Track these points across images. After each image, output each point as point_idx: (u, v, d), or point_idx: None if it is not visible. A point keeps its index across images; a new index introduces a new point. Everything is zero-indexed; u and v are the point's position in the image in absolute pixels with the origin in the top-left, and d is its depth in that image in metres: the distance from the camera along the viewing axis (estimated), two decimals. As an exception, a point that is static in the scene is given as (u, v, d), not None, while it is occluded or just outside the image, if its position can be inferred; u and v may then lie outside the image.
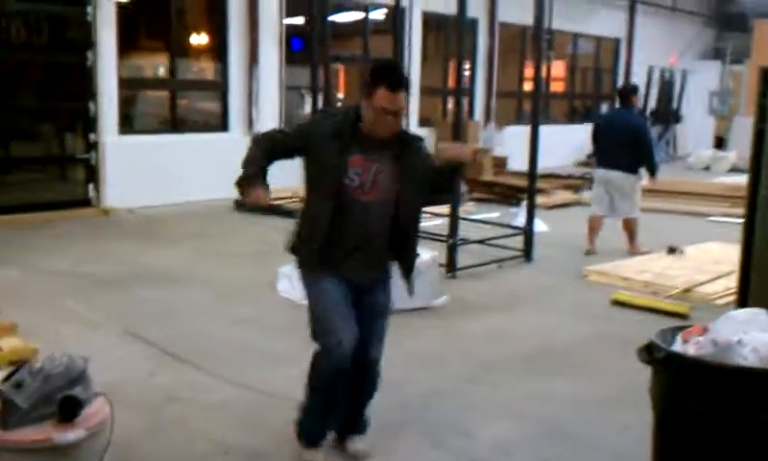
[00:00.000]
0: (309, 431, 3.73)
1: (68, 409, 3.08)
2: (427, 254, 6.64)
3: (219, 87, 12.51)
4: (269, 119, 12.53)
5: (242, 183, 3.43)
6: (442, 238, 7.88)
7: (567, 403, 4.60)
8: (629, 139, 8.50)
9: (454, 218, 7.73)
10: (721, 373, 2.91)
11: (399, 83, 3.36)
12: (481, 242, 8.35)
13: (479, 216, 10.53)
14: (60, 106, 11.20)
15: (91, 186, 10.81)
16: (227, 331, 5.82)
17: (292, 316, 6.06)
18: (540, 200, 11.30)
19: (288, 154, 3.57)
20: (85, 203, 10.73)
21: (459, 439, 4.14)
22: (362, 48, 14.13)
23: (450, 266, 7.63)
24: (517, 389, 4.84)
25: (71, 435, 3.06)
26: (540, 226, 9.52)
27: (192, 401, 4.52)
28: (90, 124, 10.75)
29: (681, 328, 3.29)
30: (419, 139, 3.67)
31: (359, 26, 14.35)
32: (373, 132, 3.44)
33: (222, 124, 12.55)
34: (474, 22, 16.25)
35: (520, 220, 8.66)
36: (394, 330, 5.77)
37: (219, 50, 12.44)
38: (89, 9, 10.56)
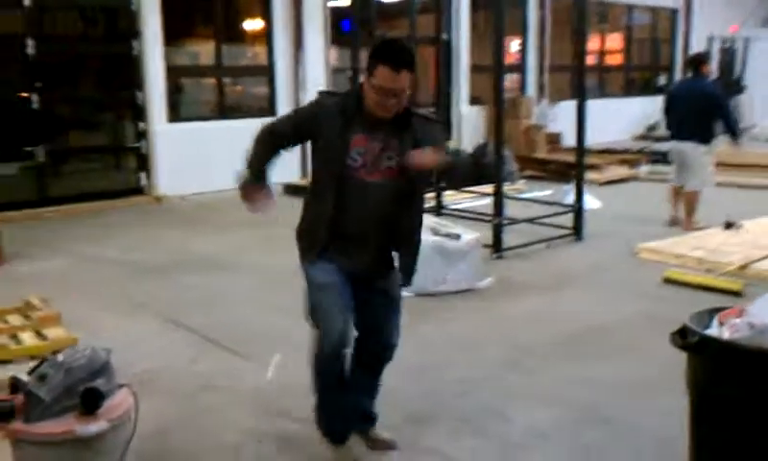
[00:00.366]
0: (328, 428, 3.64)
1: (90, 401, 3.08)
2: (470, 235, 6.54)
3: (265, 73, 12.53)
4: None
5: (241, 189, 3.39)
6: (488, 218, 7.75)
7: (608, 387, 4.45)
8: (702, 109, 8.34)
9: (499, 197, 7.58)
10: (757, 357, 2.74)
11: (402, 61, 3.15)
12: (529, 221, 8.17)
13: (529, 195, 10.33)
14: (111, 95, 11.39)
15: (143, 175, 10.98)
16: (267, 319, 5.81)
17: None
18: (592, 176, 11.04)
19: (295, 141, 3.48)
20: (138, 191, 10.90)
21: (497, 424, 4.03)
22: (409, 28, 13.95)
23: (496, 246, 7.49)
24: (557, 372, 4.70)
25: (93, 427, 3.06)
26: (591, 203, 9.30)
27: (229, 389, 4.52)
28: (139, 113, 10.89)
29: (718, 310, 3.12)
30: (435, 123, 3.53)
31: (405, 5, 14.15)
32: (375, 115, 3.29)
33: (269, 109, 12.57)
34: (525, -5, 15.94)
35: (572, 197, 8.45)
36: (435, 313, 5.78)
37: (265, 35, 12.45)
38: (134, -1, 10.68)
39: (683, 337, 3.02)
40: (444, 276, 6.28)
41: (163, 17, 10.97)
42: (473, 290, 6.36)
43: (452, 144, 12.55)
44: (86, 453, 3.08)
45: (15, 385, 3.17)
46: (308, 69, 12.61)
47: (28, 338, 5.14)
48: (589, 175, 9.22)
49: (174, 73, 11.39)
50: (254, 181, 3.41)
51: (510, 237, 7.63)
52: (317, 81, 12.84)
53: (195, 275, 6.95)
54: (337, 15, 13.14)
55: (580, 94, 8.29)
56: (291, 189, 11.21)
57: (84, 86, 11.41)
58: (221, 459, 3.74)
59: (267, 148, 3.43)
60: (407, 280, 3.53)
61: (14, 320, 5.45)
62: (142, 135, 10.94)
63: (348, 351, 3.43)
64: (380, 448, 3.71)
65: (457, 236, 6.40)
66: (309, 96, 12.43)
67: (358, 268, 3.40)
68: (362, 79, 3.31)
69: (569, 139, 13.97)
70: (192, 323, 5.65)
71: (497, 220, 7.56)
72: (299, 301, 6.02)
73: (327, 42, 12.99)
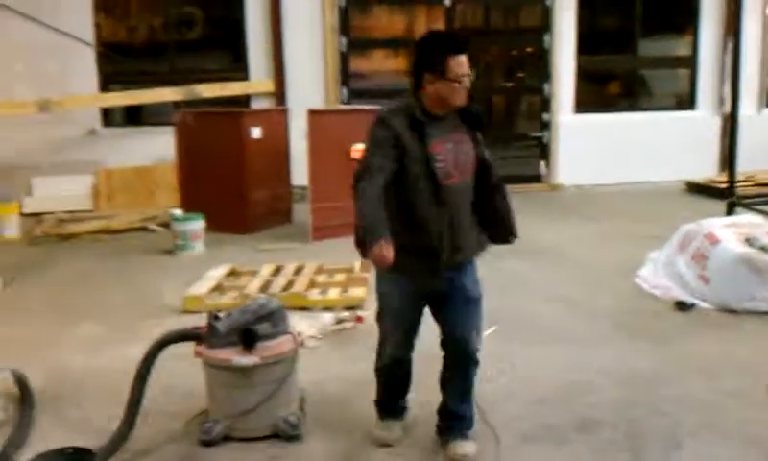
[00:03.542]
0: (381, 401, 3.85)
1: (246, 339, 3.81)
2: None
3: (687, 64, 11.91)
4: (745, 97, 11.46)
5: (364, 243, 3.24)
6: None
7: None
8: None
9: None
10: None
11: (465, 44, 3.31)
12: None
13: None
14: (519, 87, 12.09)
15: (543, 163, 11.46)
16: (542, 307, 5.93)
17: (620, 303, 5.92)
18: None
19: (393, 169, 3.28)
20: (536, 179, 11.43)
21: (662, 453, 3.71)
22: None
23: None
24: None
25: (245, 360, 3.79)
26: None
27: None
28: (544, 104, 11.38)
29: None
30: (478, 109, 3.49)
31: None
32: (440, 108, 3.34)
33: (689, 102, 11.95)
34: None
35: None
36: (717, 330, 5.22)
37: (689, 24, 11.82)
38: (549, -6, 11.15)
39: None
40: (750, 293, 5.61)
41: (578, 12, 11.25)
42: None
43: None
44: (242, 380, 3.82)
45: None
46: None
47: (333, 293, 6.13)
48: None
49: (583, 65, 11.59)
50: (375, 235, 3.19)
51: None
52: (749, 73, 11.77)
53: (517, 260, 7.19)
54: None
55: None
56: (695, 188, 10.66)
57: (495, 78, 12.26)
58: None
59: (376, 199, 3.22)
60: (511, 238, 3.60)
61: (338, 278, 6.49)
62: (545, 126, 11.41)
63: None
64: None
65: (774, 251, 5.64)
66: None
67: (436, 276, 3.43)
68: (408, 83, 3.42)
69: None
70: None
71: None
72: (588, 294, 6.03)
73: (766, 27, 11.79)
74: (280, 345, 3.91)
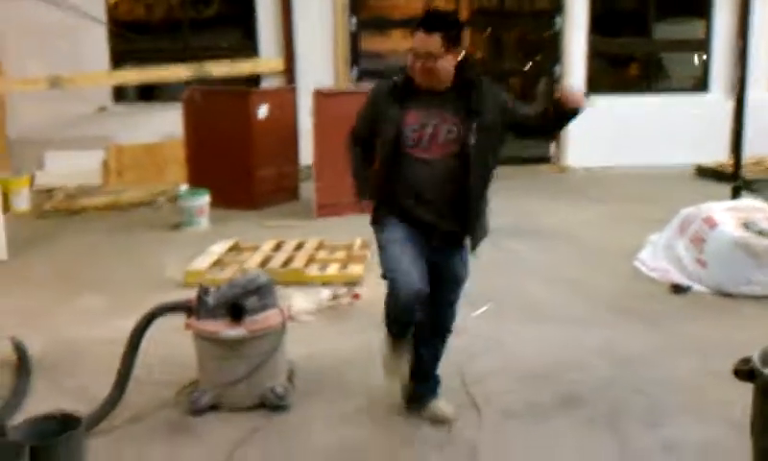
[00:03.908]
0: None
1: (234, 312, 3.89)
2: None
3: (701, 47, 11.81)
4: (757, 81, 11.36)
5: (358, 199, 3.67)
6: None
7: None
8: None
9: None
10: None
11: (433, 23, 3.30)
12: None
13: None
14: (531, 69, 12.06)
15: (553, 145, 11.44)
16: (538, 287, 5.97)
17: (617, 285, 5.94)
18: None
19: (375, 132, 3.55)
20: (545, 160, 11.42)
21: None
22: None
23: None
24: None
25: (232, 332, 3.87)
26: None
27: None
28: (554, 86, 11.33)
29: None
30: (484, 81, 3.46)
31: None
32: (420, 81, 3.38)
33: (701, 85, 11.86)
34: None
35: None
36: (715, 314, 5.24)
37: (701, 5, 11.71)
38: (559, -24, 11.09)
39: (750, 377, 2.61)
40: (747, 277, 5.61)
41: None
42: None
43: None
44: (230, 352, 3.91)
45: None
46: (753, 40, 11.44)
47: (332, 270, 6.20)
48: None
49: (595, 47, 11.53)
50: (363, 192, 3.66)
51: None
52: (762, 58, 11.65)
53: (518, 240, 7.26)
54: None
55: None
56: (704, 172, 10.61)
57: (507, 59, 12.25)
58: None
59: (358, 154, 3.67)
60: (474, 246, 3.60)
61: (338, 254, 6.56)
62: (555, 107, 11.37)
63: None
64: (438, 422, 3.78)
65: (770, 234, 5.63)
66: (753, 71, 11.37)
67: (425, 225, 3.49)
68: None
69: None
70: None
71: None
72: (585, 275, 6.13)
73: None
74: (268, 318, 3.99)
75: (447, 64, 3.37)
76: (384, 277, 3.44)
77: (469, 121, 3.39)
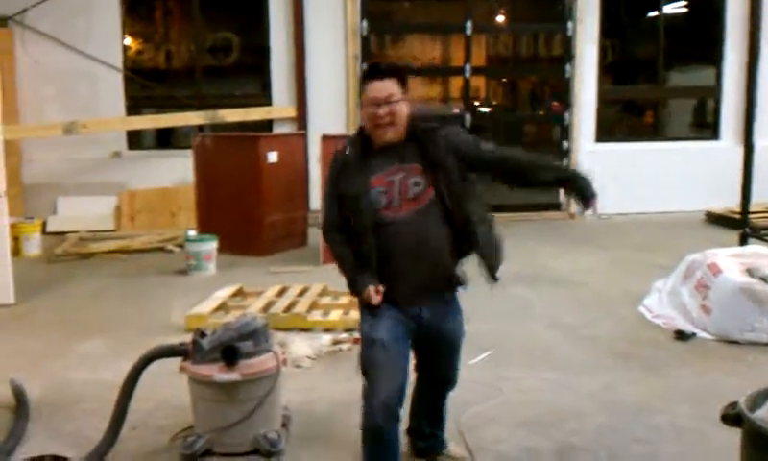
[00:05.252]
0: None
1: (228, 356, 3.88)
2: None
3: (711, 93, 11.85)
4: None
5: (353, 291, 3.37)
6: None
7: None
8: None
9: None
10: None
11: (383, 70, 3.25)
12: None
13: None
14: (539, 114, 12.16)
15: (561, 192, 11.40)
16: (541, 333, 5.94)
17: (620, 331, 5.90)
18: None
19: (346, 211, 3.32)
20: (555, 207, 11.42)
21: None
22: None
23: None
24: None
25: (225, 376, 3.87)
26: None
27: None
28: (565, 132, 11.39)
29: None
30: (436, 128, 3.32)
31: None
32: (379, 139, 3.26)
33: (713, 132, 11.88)
34: None
35: None
36: (717, 362, 5.18)
37: (713, 53, 11.77)
38: (570, 25, 11.19)
39: (736, 421, 2.58)
40: (751, 323, 5.55)
41: (600, 43, 11.29)
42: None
43: None
44: (223, 396, 3.89)
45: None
46: (763, 88, 11.50)
47: (334, 315, 6.19)
48: None
49: (608, 94, 11.61)
50: (355, 282, 3.33)
51: None
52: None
53: (524, 286, 7.24)
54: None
55: None
56: (714, 218, 10.56)
57: (518, 105, 12.36)
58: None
59: (341, 242, 3.36)
60: (492, 277, 3.36)
61: (341, 300, 6.56)
62: (565, 154, 11.41)
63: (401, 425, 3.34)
64: None
65: (775, 280, 5.58)
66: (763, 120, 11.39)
67: (412, 307, 3.31)
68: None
69: None
70: (472, 328, 6.02)
71: None
72: (589, 321, 6.12)
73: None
74: (262, 362, 3.97)
75: (405, 109, 3.26)
76: (362, 373, 3.27)
77: (432, 170, 3.25)
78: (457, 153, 3.30)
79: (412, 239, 3.23)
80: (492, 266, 3.36)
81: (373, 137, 3.30)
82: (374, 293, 3.24)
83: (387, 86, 3.21)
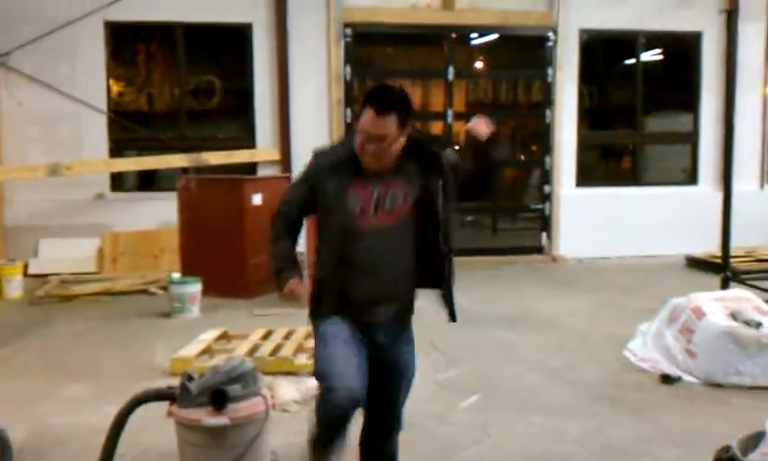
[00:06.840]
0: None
1: (216, 400, 3.86)
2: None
3: (689, 139, 12.06)
4: (746, 173, 11.58)
5: (276, 280, 3.33)
6: None
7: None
8: None
9: None
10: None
11: (386, 103, 3.05)
12: None
13: None
14: (520, 159, 12.32)
15: (544, 235, 11.55)
16: (527, 377, 5.94)
17: (606, 375, 5.92)
18: None
19: (308, 209, 3.36)
20: (538, 250, 11.50)
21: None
22: None
23: None
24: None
25: (214, 420, 3.84)
26: None
27: (421, 429, 4.83)
28: (545, 176, 11.53)
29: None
30: (434, 145, 3.29)
31: None
32: (365, 165, 3.16)
33: (691, 178, 12.07)
34: None
35: None
36: (702, 405, 5.21)
37: (690, 101, 12.00)
38: (550, 71, 11.38)
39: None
40: (735, 367, 5.60)
41: (579, 88, 11.49)
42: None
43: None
44: (211, 441, 3.86)
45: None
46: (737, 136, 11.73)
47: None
48: None
49: (587, 140, 11.79)
50: (293, 274, 3.30)
51: None
52: (750, 149, 11.89)
53: (509, 329, 7.28)
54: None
55: None
56: (695, 262, 10.66)
57: (498, 150, 12.49)
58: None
59: (282, 230, 3.40)
60: (451, 316, 3.36)
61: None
62: (546, 198, 11.53)
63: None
64: None
65: (758, 324, 5.65)
66: (741, 165, 11.57)
67: (368, 321, 3.25)
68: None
69: None
70: (460, 368, 6.05)
71: None
72: (574, 364, 6.07)
73: (766, 106, 11.93)
74: (251, 406, 3.95)
75: (400, 146, 3.17)
76: (317, 376, 3.19)
77: (431, 191, 3.21)
78: (455, 171, 3.27)
79: (377, 253, 3.19)
80: (452, 304, 3.35)
81: (360, 159, 3.21)
82: (295, 285, 3.27)
83: (385, 125, 3.07)
